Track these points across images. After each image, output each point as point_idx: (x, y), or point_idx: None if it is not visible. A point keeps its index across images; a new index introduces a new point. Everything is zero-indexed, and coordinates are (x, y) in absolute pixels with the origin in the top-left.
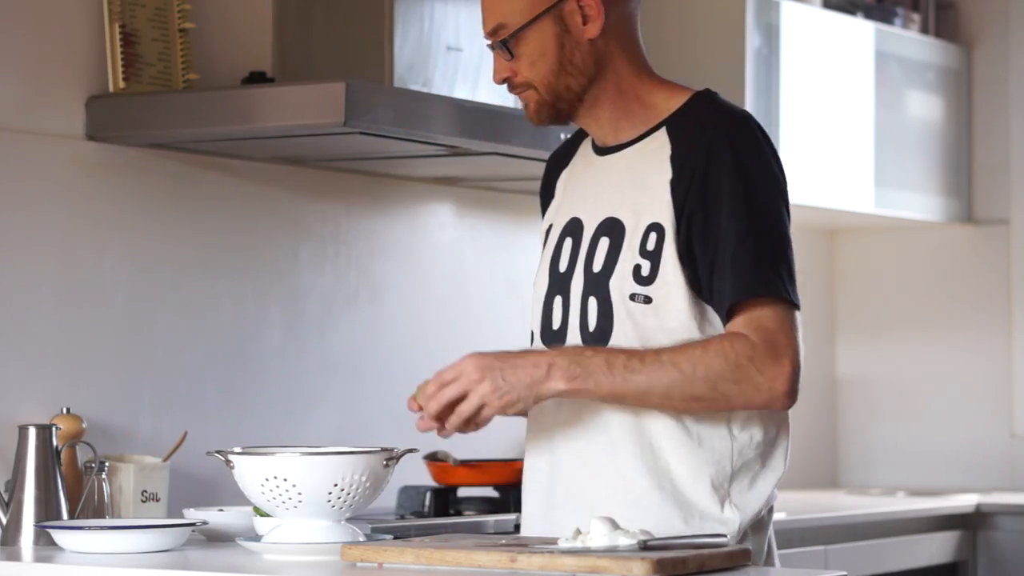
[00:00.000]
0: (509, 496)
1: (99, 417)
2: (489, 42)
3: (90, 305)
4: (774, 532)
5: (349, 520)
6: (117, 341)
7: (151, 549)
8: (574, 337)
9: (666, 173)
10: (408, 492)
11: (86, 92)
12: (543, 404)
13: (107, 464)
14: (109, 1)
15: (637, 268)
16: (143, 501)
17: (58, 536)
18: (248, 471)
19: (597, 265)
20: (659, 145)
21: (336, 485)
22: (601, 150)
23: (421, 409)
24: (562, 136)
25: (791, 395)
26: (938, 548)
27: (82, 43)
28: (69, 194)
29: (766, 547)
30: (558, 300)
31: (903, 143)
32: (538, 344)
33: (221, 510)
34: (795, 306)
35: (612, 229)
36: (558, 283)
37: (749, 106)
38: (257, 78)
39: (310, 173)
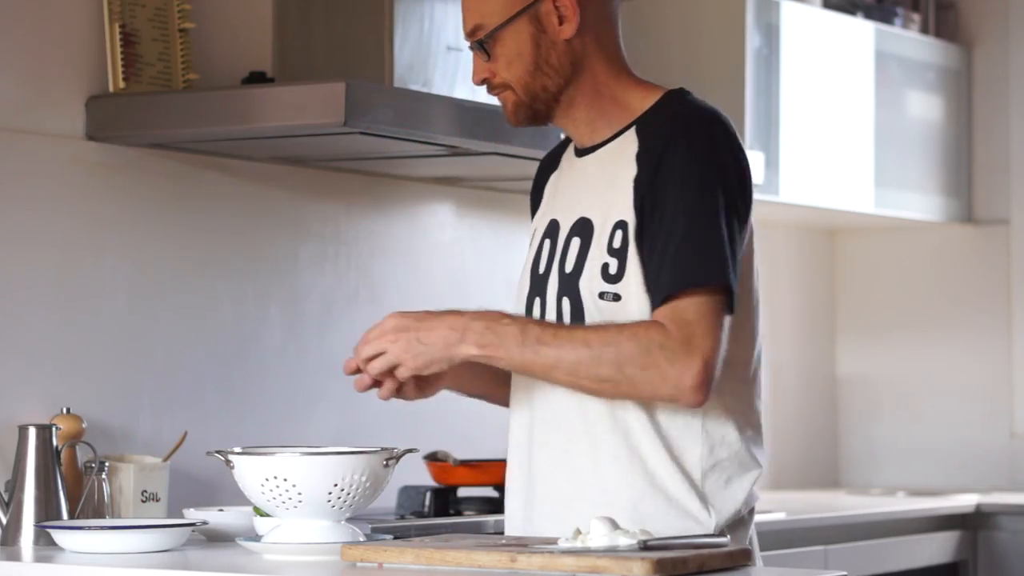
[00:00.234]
0: None
1: (99, 417)
2: (468, 43)
3: (90, 305)
4: (756, 532)
5: (349, 520)
6: (117, 341)
7: (151, 549)
8: None
9: (632, 170)
10: (408, 492)
11: (86, 92)
12: (519, 400)
13: (107, 464)
14: (109, 1)
15: (605, 266)
16: (143, 501)
17: (58, 536)
18: (248, 471)
19: (569, 266)
20: (628, 143)
21: (336, 485)
22: (579, 151)
23: (359, 371)
24: (562, 136)
25: (700, 390)
26: (938, 548)
27: (82, 43)
28: (69, 194)
29: (748, 546)
30: (537, 302)
31: (903, 143)
32: None
33: (221, 510)
34: (726, 304)
35: (583, 229)
36: (537, 285)
37: (749, 106)
38: (257, 78)
39: (310, 173)
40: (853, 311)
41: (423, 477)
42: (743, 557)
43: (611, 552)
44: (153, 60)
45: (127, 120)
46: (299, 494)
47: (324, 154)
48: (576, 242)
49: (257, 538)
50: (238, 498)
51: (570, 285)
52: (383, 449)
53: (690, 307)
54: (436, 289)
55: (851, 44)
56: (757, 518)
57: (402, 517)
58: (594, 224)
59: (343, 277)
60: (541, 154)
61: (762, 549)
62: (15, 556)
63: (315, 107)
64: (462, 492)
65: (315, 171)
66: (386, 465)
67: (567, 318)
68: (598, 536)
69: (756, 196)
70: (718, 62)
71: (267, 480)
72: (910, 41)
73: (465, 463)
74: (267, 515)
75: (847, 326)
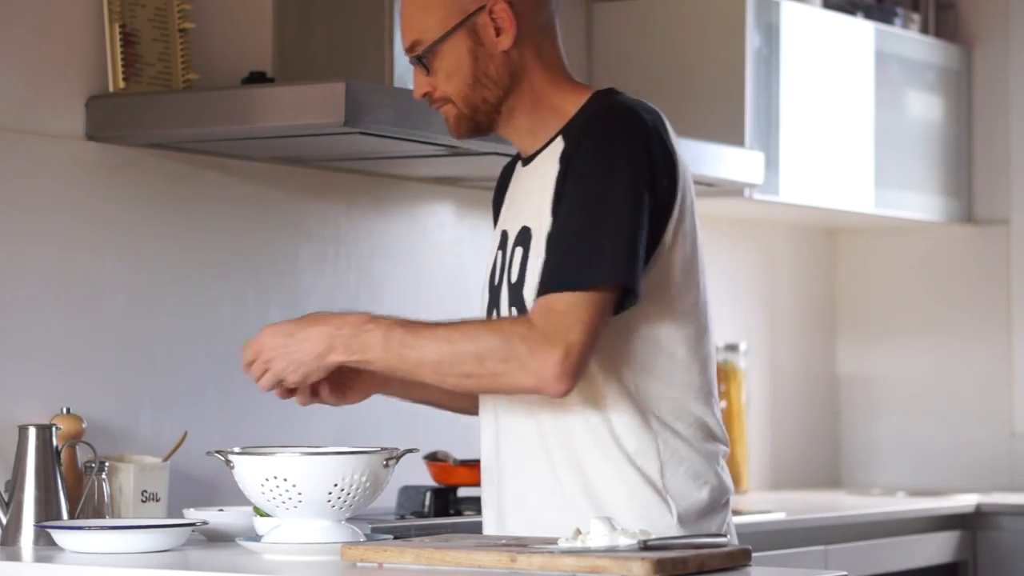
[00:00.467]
0: None
1: (99, 417)
2: (408, 58)
3: (90, 305)
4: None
5: (349, 520)
6: (117, 341)
7: (151, 549)
8: None
9: (556, 172)
10: (408, 492)
11: (86, 92)
12: (486, 411)
13: (107, 464)
14: (109, 1)
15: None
16: (143, 501)
17: (58, 536)
18: (248, 471)
19: (514, 276)
20: (557, 147)
21: (336, 485)
22: (524, 161)
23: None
24: None
25: (562, 380)
26: (938, 548)
27: (82, 43)
28: (69, 194)
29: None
30: (494, 314)
31: (903, 143)
32: None
33: (221, 510)
34: (609, 300)
35: (524, 238)
36: (493, 297)
37: (749, 106)
38: (257, 78)
39: (310, 173)
40: (853, 311)
41: (423, 477)
42: (743, 557)
43: (611, 552)
44: (153, 60)
45: (127, 120)
46: (299, 494)
47: (324, 154)
48: (519, 252)
49: (257, 538)
50: (238, 498)
51: (517, 295)
52: (383, 449)
53: (561, 300)
54: (436, 289)
55: (851, 44)
56: (757, 518)
57: (402, 517)
58: (532, 232)
59: (343, 277)
60: None
61: (762, 549)
62: (15, 556)
63: (315, 107)
64: (462, 492)
65: (315, 171)
66: (386, 465)
67: None
68: (598, 536)
69: (756, 196)
70: (718, 62)
71: (267, 480)
72: (910, 41)
73: (465, 463)
74: (267, 515)
75: (847, 326)
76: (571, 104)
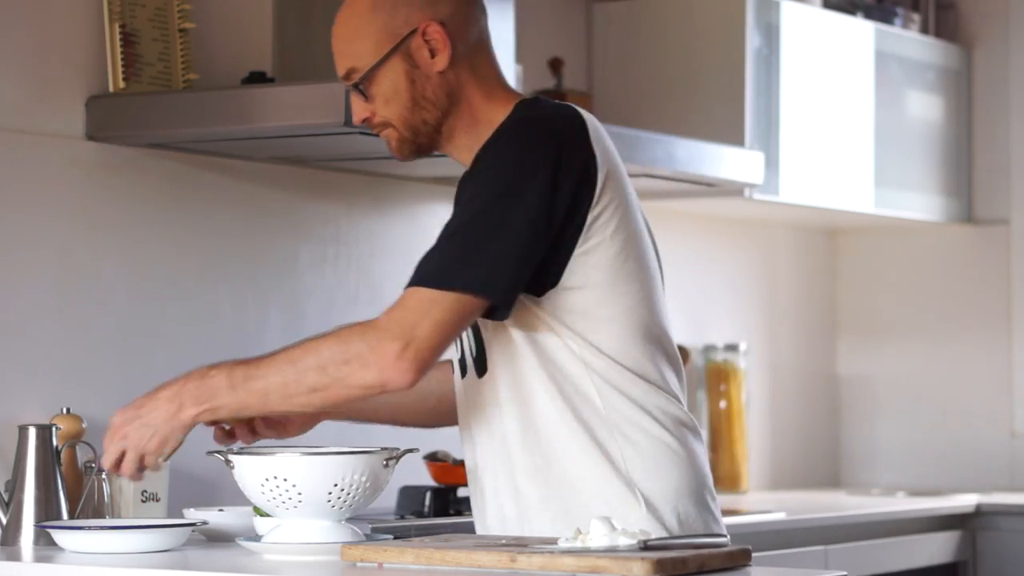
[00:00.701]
0: None
1: (99, 417)
2: (345, 86)
3: (90, 305)
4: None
5: (349, 520)
6: (117, 341)
7: (151, 549)
8: (470, 363)
9: None
10: (408, 492)
11: (86, 92)
12: (464, 428)
13: None
14: (109, 1)
15: None
16: (143, 501)
17: (58, 536)
18: (248, 471)
19: None
20: None
21: (336, 485)
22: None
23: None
24: None
25: (402, 370)
26: (938, 548)
27: (82, 43)
28: (69, 194)
29: (707, 528)
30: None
31: (903, 143)
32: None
33: (221, 510)
34: (470, 306)
35: None
36: None
37: (749, 106)
38: (257, 78)
39: (310, 173)
40: (853, 311)
41: (423, 477)
42: (743, 557)
43: (611, 552)
44: (153, 60)
45: (127, 120)
46: (299, 494)
47: (324, 154)
48: None
49: (257, 538)
50: (238, 498)
51: None
52: (383, 449)
53: (415, 296)
54: None
55: (851, 44)
56: (757, 518)
57: (402, 517)
58: None
59: (343, 277)
60: None
61: (762, 549)
62: (15, 556)
63: (315, 107)
64: (462, 492)
65: (315, 171)
66: (386, 465)
67: (473, 343)
68: (598, 536)
69: (756, 196)
70: (718, 62)
71: (267, 480)
72: (910, 41)
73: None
74: (267, 515)
75: (847, 326)
76: (502, 116)
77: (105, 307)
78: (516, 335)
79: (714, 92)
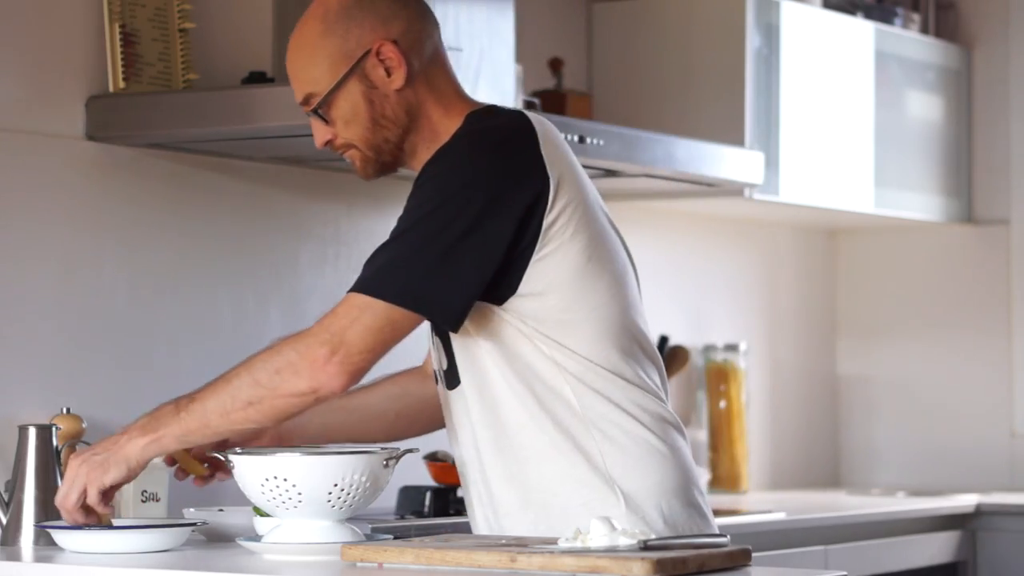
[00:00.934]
0: None
1: (99, 417)
2: (304, 111)
3: (90, 305)
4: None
5: (349, 520)
6: (117, 341)
7: (151, 549)
8: (440, 376)
9: None
10: (408, 492)
11: (86, 92)
12: (450, 439)
13: None
14: (109, 1)
15: None
16: (143, 501)
17: (58, 536)
18: (248, 471)
19: None
20: None
21: (336, 485)
22: None
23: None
24: None
25: (335, 377)
26: (938, 548)
27: (82, 43)
28: (69, 194)
29: (694, 525)
30: (433, 339)
31: (903, 143)
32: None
33: (221, 510)
34: (404, 318)
35: None
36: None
37: (749, 106)
38: (257, 78)
39: (310, 173)
40: (853, 311)
41: (423, 477)
42: (743, 557)
43: (611, 552)
44: (153, 60)
45: (127, 120)
46: (299, 494)
47: (324, 154)
48: None
49: (257, 538)
50: (238, 498)
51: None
52: (383, 449)
53: (349, 301)
54: None
55: (851, 44)
56: (757, 518)
57: (402, 517)
58: None
59: (343, 277)
60: None
61: (762, 549)
62: (15, 556)
63: None
64: (462, 492)
65: (315, 171)
66: (386, 465)
67: (443, 356)
68: (598, 536)
69: (756, 196)
70: (718, 62)
71: (267, 480)
72: (910, 41)
73: None
74: (267, 515)
75: (847, 326)
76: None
77: (105, 307)
78: (484, 344)
79: (714, 92)
